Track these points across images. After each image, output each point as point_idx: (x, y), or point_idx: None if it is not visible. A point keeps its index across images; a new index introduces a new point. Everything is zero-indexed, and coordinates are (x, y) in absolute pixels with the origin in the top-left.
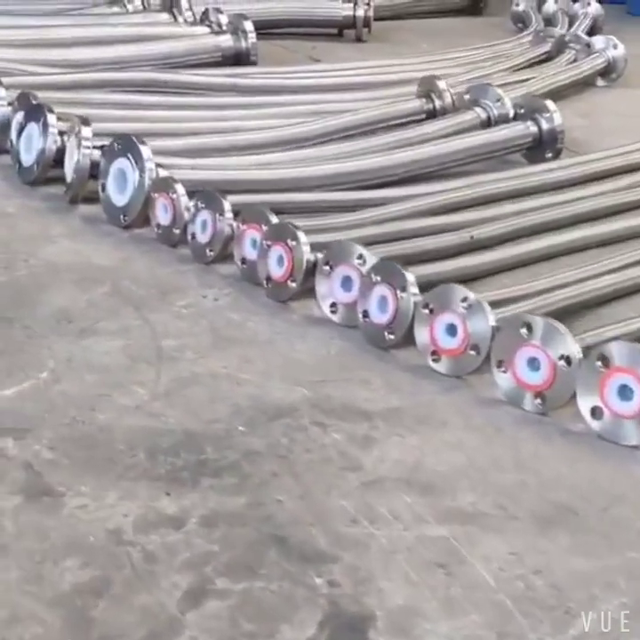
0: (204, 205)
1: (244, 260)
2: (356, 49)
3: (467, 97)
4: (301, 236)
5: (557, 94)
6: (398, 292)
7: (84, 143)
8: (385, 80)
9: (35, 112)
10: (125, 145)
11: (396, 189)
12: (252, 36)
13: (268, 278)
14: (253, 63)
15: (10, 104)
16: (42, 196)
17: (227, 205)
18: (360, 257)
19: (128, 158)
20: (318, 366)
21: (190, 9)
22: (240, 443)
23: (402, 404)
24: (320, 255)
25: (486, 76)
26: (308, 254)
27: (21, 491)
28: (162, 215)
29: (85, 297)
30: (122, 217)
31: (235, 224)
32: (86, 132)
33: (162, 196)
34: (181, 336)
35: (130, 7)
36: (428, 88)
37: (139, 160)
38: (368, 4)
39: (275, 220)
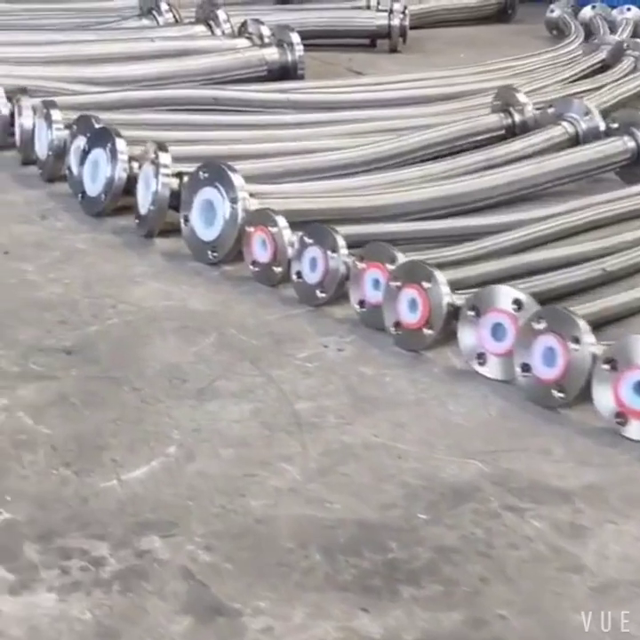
0: (311, 240)
1: (363, 303)
2: (393, 60)
3: (551, 111)
4: (439, 276)
5: (625, 105)
6: (569, 343)
7: (163, 171)
8: (442, 93)
9: (100, 137)
10: (213, 173)
11: (502, 215)
12: (299, 49)
13: (397, 324)
14: (300, 77)
15: (66, 127)
16: (112, 228)
17: (340, 241)
18: (516, 302)
19: (216, 188)
20: (483, 432)
21: (228, 21)
22: (428, 536)
23: (599, 479)
24: (457, 298)
25: (546, 88)
26: (447, 297)
27: (188, 608)
28: (259, 251)
29: (192, 350)
30: (210, 253)
31: (351, 261)
32: (165, 158)
33: (259, 230)
34: (315, 397)
35: (160, 20)
36: (505, 101)
37: (229, 190)
38: (403, 13)
39: (402, 258)
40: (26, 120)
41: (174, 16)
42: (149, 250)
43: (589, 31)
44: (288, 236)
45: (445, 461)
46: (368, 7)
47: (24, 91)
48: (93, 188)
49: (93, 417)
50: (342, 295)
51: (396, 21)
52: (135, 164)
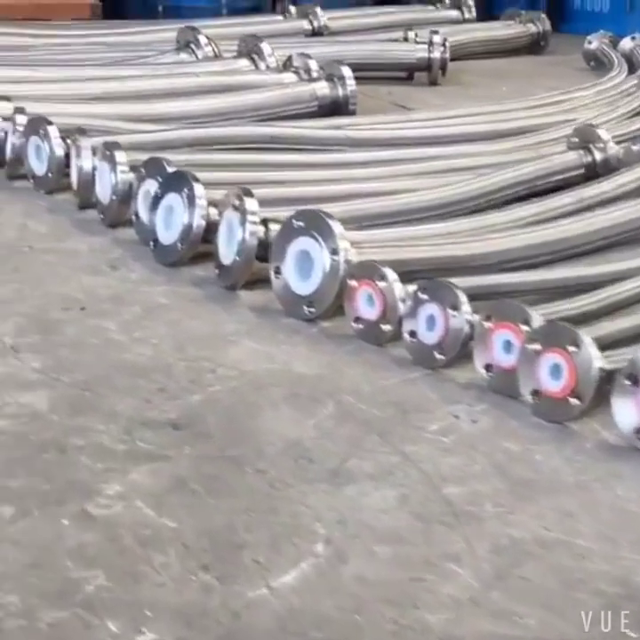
0: (427, 296)
1: (490, 367)
2: (433, 93)
3: (636, 148)
4: (586, 339)
5: None
6: None
7: (250, 218)
8: (501, 129)
9: (174, 181)
10: (309, 221)
11: (616, 263)
12: (351, 83)
13: (537, 392)
14: (352, 112)
15: (131, 169)
16: (190, 280)
17: (462, 297)
18: None
19: (313, 237)
20: None
21: (272, 54)
22: None
23: None
24: (608, 363)
25: (609, 122)
26: (598, 363)
27: None
28: (365, 307)
29: (311, 422)
30: (306, 308)
31: (475, 320)
32: (251, 204)
33: (364, 284)
34: (463, 479)
35: (199, 54)
36: (584, 138)
37: (328, 239)
38: (444, 46)
39: (539, 317)
40: (85, 161)
41: (213, 50)
42: (236, 304)
43: (631, 62)
44: (399, 290)
45: (636, 561)
46: (406, 39)
47: (82, 131)
48: (168, 235)
49: (221, 506)
50: (462, 356)
51: (436, 54)
52: (213, 210)
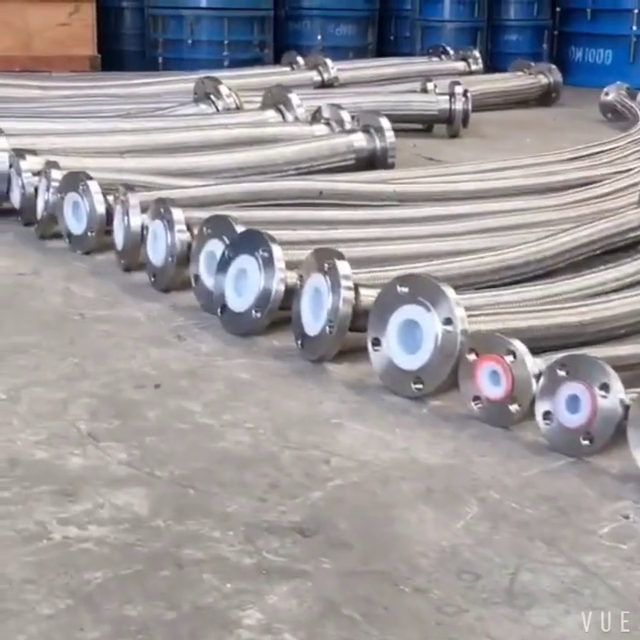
0: (568, 373)
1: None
2: (458, 146)
3: None
4: None
5: None
6: None
7: (344, 284)
8: (547, 183)
9: (246, 241)
10: (416, 287)
11: None
12: (390, 135)
13: None
14: (391, 166)
15: (188, 229)
16: (269, 352)
17: (612, 374)
18: None
19: (422, 305)
20: None
21: (301, 105)
22: None
23: None
24: None
25: None
26: None
27: None
28: (488, 385)
29: (458, 525)
30: (413, 385)
31: (629, 400)
32: (344, 268)
33: (486, 358)
34: None
35: (219, 105)
36: None
37: (441, 308)
38: (465, 97)
39: None
40: (133, 219)
41: (235, 101)
42: (328, 379)
43: None
44: (531, 367)
45: None
46: (425, 90)
47: (129, 186)
48: (240, 302)
49: (388, 639)
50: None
51: (458, 105)
52: (291, 274)
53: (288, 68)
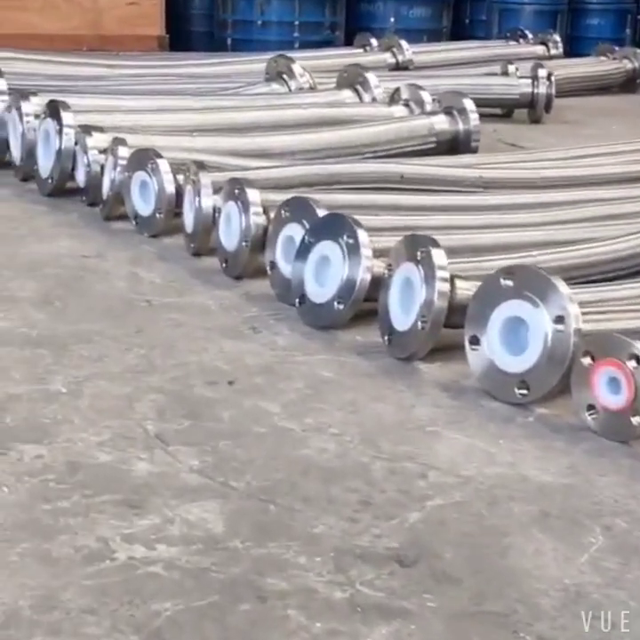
0: None
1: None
2: (542, 132)
3: None
4: None
5: None
6: None
7: (440, 275)
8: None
9: (330, 227)
10: (522, 280)
11: None
12: (474, 117)
13: None
14: (474, 150)
15: (265, 212)
16: (352, 347)
17: None
18: None
19: (530, 300)
20: None
21: (379, 86)
22: None
23: None
24: None
25: None
26: None
27: None
28: (605, 393)
29: (582, 559)
30: (517, 390)
31: None
32: (439, 258)
33: (604, 363)
34: None
35: (292, 84)
36: None
37: (551, 303)
38: (549, 80)
39: None
40: (205, 201)
41: (309, 81)
42: (419, 380)
43: None
44: None
45: None
46: (505, 73)
47: (201, 165)
48: (322, 292)
49: None
50: None
51: (541, 89)
52: (378, 262)
53: (361, 50)
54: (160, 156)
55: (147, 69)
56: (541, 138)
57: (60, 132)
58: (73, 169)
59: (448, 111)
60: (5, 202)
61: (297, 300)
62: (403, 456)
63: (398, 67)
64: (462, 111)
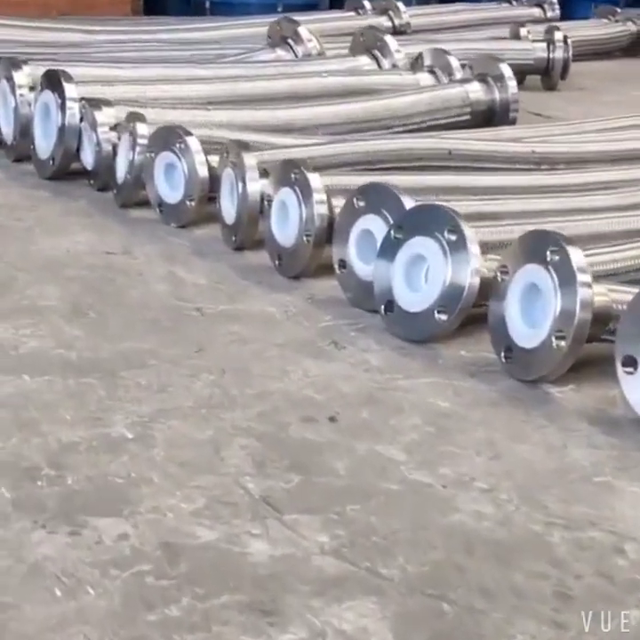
0: None
1: None
2: (563, 99)
3: None
4: None
5: None
6: None
7: (581, 279)
8: None
9: (423, 221)
10: None
11: None
12: (513, 85)
13: None
14: (512, 121)
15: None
16: (461, 366)
17: None
18: None
19: None
20: None
21: (400, 50)
22: None
23: None
24: None
25: None
26: None
27: None
28: None
29: None
30: None
31: None
32: (578, 258)
33: None
34: None
35: (299, 50)
36: None
37: None
38: (565, 44)
39: None
40: (251, 186)
41: (316, 46)
42: (556, 409)
43: None
44: None
45: None
46: (517, 37)
47: (244, 145)
48: (417, 298)
49: None
50: None
51: (558, 54)
52: (487, 263)
53: (353, 14)
54: (190, 134)
55: (128, 35)
56: (566, 107)
57: (62, 107)
58: (78, 149)
59: (482, 78)
60: (1, 186)
61: (382, 307)
62: (581, 520)
63: (395, 31)
64: (499, 78)
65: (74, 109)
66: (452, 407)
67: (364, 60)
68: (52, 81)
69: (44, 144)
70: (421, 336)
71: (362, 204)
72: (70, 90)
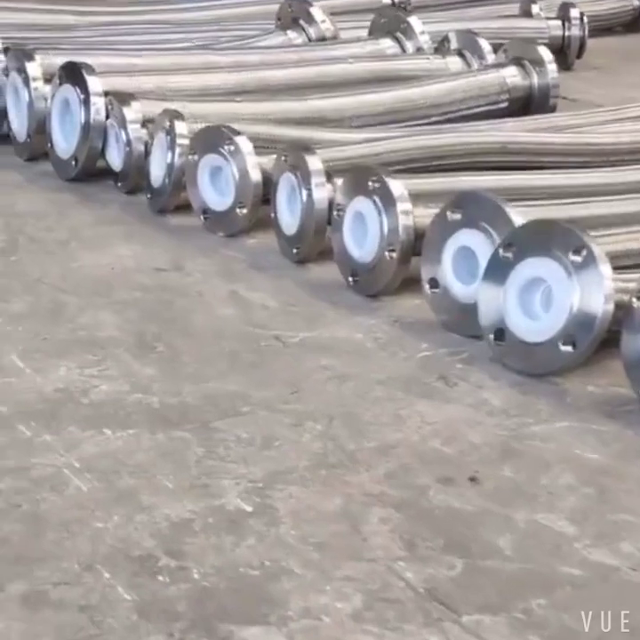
0: None
1: None
2: (582, 80)
3: None
4: None
5: None
6: None
7: None
8: None
9: (538, 239)
10: None
11: None
12: (552, 69)
13: None
14: (551, 109)
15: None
16: (593, 404)
17: None
18: None
19: None
20: None
21: (425, 32)
22: None
23: None
24: None
25: None
26: None
27: None
28: None
29: None
30: None
31: None
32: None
33: None
34: None
35: (312, 32)
36: None
37: None
38: (582, 21)
39: None
40: (318, 193)
41: (330, 28)
42: None
43: None
44: None
45: None
46: (528, 14)
47: (305, 147)
48: (536, 327)
49: None
50: None
51: (575, 31)
52: (621, 285)
53: None
54: (238, 134)
55: (123, 17)
56: (589, 89)
57: (85, 103)
58: (103, 147)
59: (518, 62)
60: (21, 190)
61: (491, 336)
62: None
63: (394, 7)
64: (537, 62)
65: (99, 105)
66: (603, 460)
67: (387, 43)
68: (73, 74)
69: (63, 143)
70: (542, 370)
71: (457, 216)
72: (94, 84)
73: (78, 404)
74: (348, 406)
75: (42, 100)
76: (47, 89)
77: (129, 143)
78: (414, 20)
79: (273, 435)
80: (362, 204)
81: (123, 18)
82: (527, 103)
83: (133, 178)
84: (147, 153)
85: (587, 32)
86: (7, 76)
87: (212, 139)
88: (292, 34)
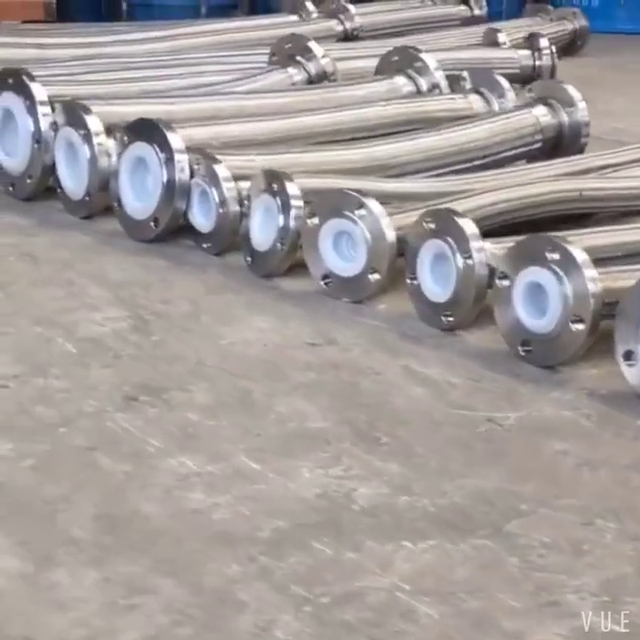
0: None
1: None
2: None
3: None
4: None
5: None
6: None
7: None
8: None
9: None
10: None
11: None
12: (583, 107)
13: None
14: (581, 149)
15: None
16: None
17: None
18: None
19: None
20: None
21: (439, 69)
22: None
23: None
24: None
25: None
26: None
27: None
28: None
29: None
30: None
31: None
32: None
33: None
34: None
35: (311, 67)
36: None
37: None
38: (551, 51)
39: None
40: (478, 258)
41: (329, 63)
42: None
43: None
44: None
45: None
46: (495, 43)
47: (455, 213)
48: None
49: None
50: None
51: (545, 61)
52: None
53: (296, 18)
54: (366, 196)
55: (85, 49)
56: None
57: (168, 161)
58: (186, 208)
59: (546, 102)
60: (99, 254)
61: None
62: None
63: (346, 37)
64: (565, 100)
65: (183, 163)
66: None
67: (402, 81)
68: (148, 131)
69: (136, 203)
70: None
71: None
72: (176, 141)
73: (351, 511)
74: (623, 498)
75: (105, 155)
76: (111, 144)
77: (224, 203)
78: (428, 57)
79: (574, 538)
80: (537, 274)
81: (84, 51)
82: (556, 143)
83: (225, 239)
84: (242, 214)
85: (556, 62)
86: (56, 130)
87: (337, 202)
88: (291, 70)
